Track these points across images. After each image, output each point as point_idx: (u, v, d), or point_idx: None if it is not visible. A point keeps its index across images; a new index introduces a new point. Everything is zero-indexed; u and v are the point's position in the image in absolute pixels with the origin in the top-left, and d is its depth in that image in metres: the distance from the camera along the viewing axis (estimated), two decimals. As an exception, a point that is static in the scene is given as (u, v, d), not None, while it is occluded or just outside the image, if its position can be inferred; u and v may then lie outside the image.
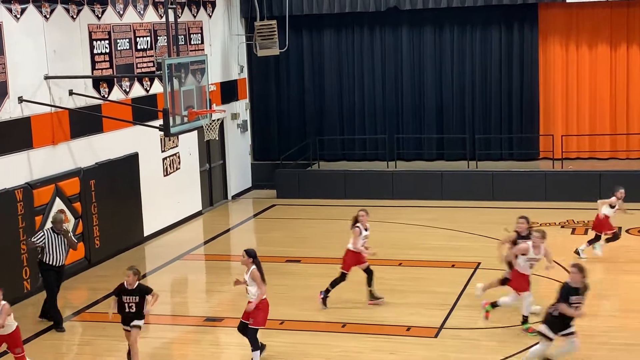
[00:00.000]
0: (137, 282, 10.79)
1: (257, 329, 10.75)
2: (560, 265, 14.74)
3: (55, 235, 12.51)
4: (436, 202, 20.11)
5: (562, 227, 17.66)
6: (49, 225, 13.22)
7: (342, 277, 12.95)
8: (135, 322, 10.76)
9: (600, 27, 21.46)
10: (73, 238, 13.24)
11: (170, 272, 15.75)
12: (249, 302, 10.78)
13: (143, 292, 10.77)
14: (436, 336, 11.74)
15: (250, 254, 10.85)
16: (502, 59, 22.06)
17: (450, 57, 22.34)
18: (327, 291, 12.95)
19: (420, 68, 22.56)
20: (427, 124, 22.69)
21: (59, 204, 14.80)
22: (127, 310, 10.74)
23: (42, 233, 12.63)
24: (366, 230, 13.13)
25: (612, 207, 15.00)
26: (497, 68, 22.10)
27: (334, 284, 12.94)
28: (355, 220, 13.08)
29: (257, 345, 10.75)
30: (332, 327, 12.17)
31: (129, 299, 10.69)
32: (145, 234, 17.59)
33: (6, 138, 13.70)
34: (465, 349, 11.20)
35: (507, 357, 10.84)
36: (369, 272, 13.05)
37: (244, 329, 10.88)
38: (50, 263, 12.50)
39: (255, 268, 10.72)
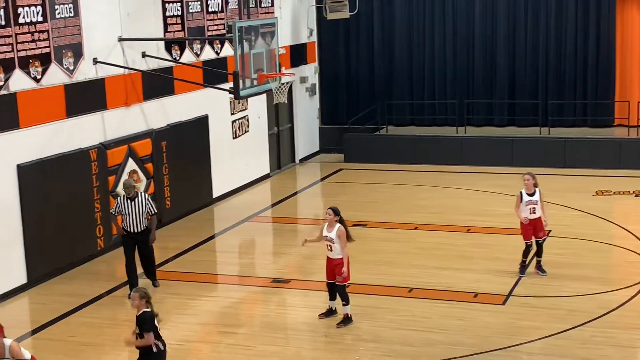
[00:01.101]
0: (145, 308, 8.57)
1: (346, 285, 11.03)
2: (634, 235, 14.46)
3: (128, 200, 12.23)
4: (506, 169, 19.84)
5: (636, 195, 17.26)
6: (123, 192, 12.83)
7: (527, 248, 12.63)
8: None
9: (682, -11, 20.73)
10: (150, 202, 12.48)
11: (238, 234, 15.95)
12: (331, 258, 10.98)
13: (140, 325, 8.52)
14: (504, 303, 11.64)
15: (337, 212, 11.04)
16: (578, 21, 21.49)
17: (523, 19, 21.86)
18: (523, 262, 12.72)
19: (493, 31, 22.14)
20: (498, 89, 22.32)
21: (131, 165, 15.09)
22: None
23: (116, 201, 12.45)
24: (531, 195, 12.54)
25: None
26: (572, 31, 21.54)
27: (524, 253, 12.68)
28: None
29: (348, 299, 11.05)
30: (399, 292, 12.18)
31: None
32: (214, 196, 17.82)
33: (81, 99, 13.97)
34: (533, 317, 11.09)
35: (576, 326, 10.69)
36: (538, 245, 12.64)
37: (333, 287, 11.11)
38: (126, 229, 12.35)
39: (341, 226, 10.93)
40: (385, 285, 12.50)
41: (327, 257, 11.16)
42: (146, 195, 12.57)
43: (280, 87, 17.13)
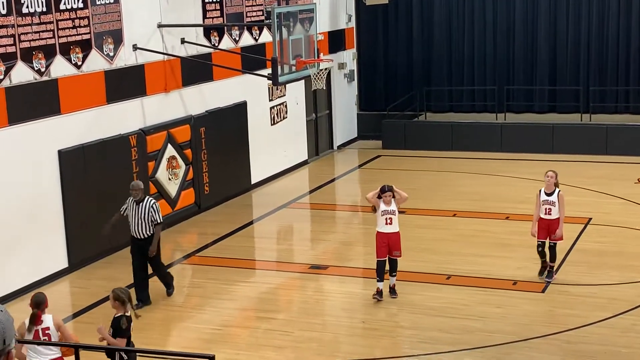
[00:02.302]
0: (120, 311, 8.26)
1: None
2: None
3: (134, 203, 11.44)
4: (546, 156, 19.61)
5: (680, 184, 16.98)
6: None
7: (538, 248, 11.86)
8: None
9: None
10: (154, 210, 11.34)
11: (276, 220, 16.00)
12: (389, 233, 11.21)
13: (113, 329, 8.18)
14: (543, 291, 11.54)
15: (393, 189, 11.38)
16: (621, 6, 21.14)
17: (565, 4, 21.57)
18: (543, 263, 11.95)
19: (534, 16, 21.88)
20: (539, 75, 22.07)
21: (170, 151, 15.19)
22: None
23: (127, 201, 11.63)
24: (549, 195, 11.67)
25: None
26: (614, 16, 21.20)
27: (540, 254, 11.91)
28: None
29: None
30: (437, 279, 12.13)
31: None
32: (252, 182, 17.89)
33: (121, 85, 14.09)
34: (572, 305, 10.98)
35: (616, 315, 10.57)
36: (550, 249, 11.76)
37: (386, 263, 11.38)
38: (131, 233, 11.59)
39: (397, 193, 11.38)
40: (424, 272, 12.46)
41: (383, 234, 11.27)
42: (152, 201, 11.50)
43: (318, 73, 17.06)
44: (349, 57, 22.28)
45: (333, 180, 19.20)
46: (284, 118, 19.16)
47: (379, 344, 10.21)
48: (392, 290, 11.54)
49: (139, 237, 11.48)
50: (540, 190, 11.77)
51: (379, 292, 11.40)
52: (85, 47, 13.29)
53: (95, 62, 13.53)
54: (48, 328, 8.07)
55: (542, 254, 11.83)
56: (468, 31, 22.47)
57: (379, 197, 11.33)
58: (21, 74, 12.14)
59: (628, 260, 12.58)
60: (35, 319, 8.05)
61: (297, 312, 11.29)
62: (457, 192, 17.15)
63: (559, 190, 11.65)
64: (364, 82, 23.37)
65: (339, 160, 21.19)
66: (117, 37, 13.98)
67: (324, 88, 19.35)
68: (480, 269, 12.43)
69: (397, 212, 11.34)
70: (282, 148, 19.04)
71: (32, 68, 12.33)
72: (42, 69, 12.52)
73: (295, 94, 19.44)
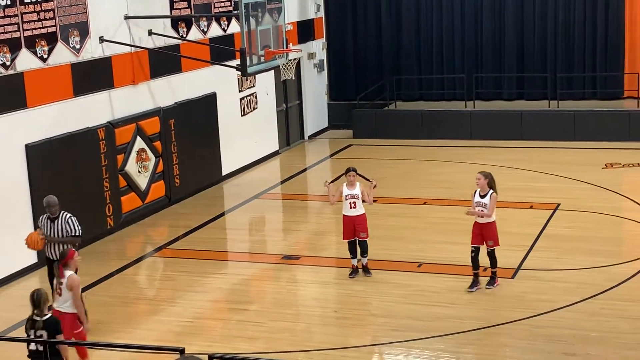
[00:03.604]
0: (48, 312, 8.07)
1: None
2: (643, 207, 14.41)
3: (49, 221, 10.37)
4: (515, 143, 19.79)
5: (646, 168, 17.19)
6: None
7: (471, 253, 11.24)
8: None
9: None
10: (71, 224, 10.31)
11: (248, 211, 15.98)
12: (353, 216, 11.52)
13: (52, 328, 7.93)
14: (513, 277, 11.65)
15: (356, 171, 11.68)
16: (587, -7, 21.34)
17: (532, -9, 21.72)
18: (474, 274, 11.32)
19: (501, 3, 21.98)
20: (507, 62, 22.19)
21: (140, 143, 15.10)
22: (35, 348, 7.88)
23: (40, 219, 10.64)
24: (482, 197, 11.08)
25: None
26: (580, 3, 21.36)
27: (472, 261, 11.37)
28: None
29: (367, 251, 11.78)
30: (408, 267, 12.20)
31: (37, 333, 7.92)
32: (223, 173, 17.85)
33: (88, 78, 13.97)
34: (542, 290, 11.10)
35: (585, 299, 10.70)
36: (488, 254, 11.21)
37: (355, 244, 11.68)
38: (46, 254, 10.48)
39: (363, 178, 11.81)
40: (395, 260, 12.52)
41: (348, 217, 11.55)
42: (67, 215, 10.36)
43: (287, 63, 17.04)
44: (318, 47, 22.26)
45: (304, 170, 19.20)
46: (254, 109, 19.12)
47: (351, 332, 10.26)
48: (365, 269, 11.80)
49: (54, 257, 10.18)
50: (475, 192, 11.17)
51: (353, 269, 11.75)
52: (51, 40, 13.16)
53: (62, 55, 13.41)
54: (62, 284, 8.85)
55: (475, 262, 11.14)
56: (436, 19, 22.53)
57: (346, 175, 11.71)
58: (-14, 68, 12.01)
59: (597, 245, 12.73)
60: (58, 272, 8.97)
61: (270, 303, 11.30)
62: (427, 180, 17.24)
63: (492, 192, 11.02)
64: (333, 71, 23.37)
65: (310, 150, 21.20)
66: (83, 30, 13.86)
67: (294, 78, 19.34)
68: (450, 257, 12.50)
69: (360, 196, 11.55)
70: (252, 139, 19.00)
71: (-3, 62, 12.19)
72: (8, 63, 12.38)
73: (265, 85, 19.39)
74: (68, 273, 8.86)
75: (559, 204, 14.84)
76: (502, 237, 13.07)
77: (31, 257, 12.78)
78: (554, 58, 21.76)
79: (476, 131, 20.56)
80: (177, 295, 11.74)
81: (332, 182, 12.08)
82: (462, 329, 10.05)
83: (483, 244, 11.14)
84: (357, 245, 11.78)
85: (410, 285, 11.52)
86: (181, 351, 6.83)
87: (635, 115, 19.71)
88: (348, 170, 11.73)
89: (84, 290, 11.90)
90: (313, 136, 22.21)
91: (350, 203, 11.59)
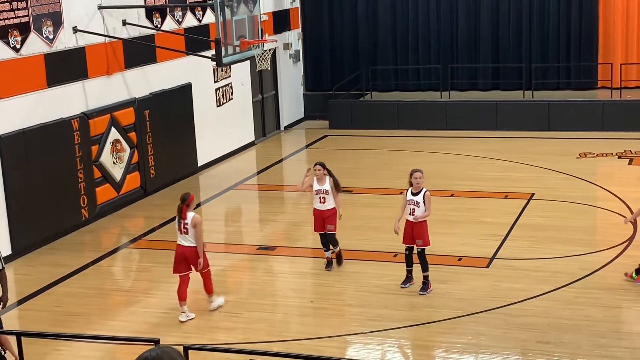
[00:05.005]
0: None
1: (335, 233, 11.72)
2: (617, 197, 14.54)
3: None
4: (490, 133, 19.89)
5: (619, 157, 17.34)
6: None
7: (405, 252, 11.08)
8: None
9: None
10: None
11: (224, 202, 15.95)
12: (323, 210, 11.55)
13: None
14: (488, 266, 11.72)
15: (324, 165, 11.67)
16: (561, -16, 21.46)
17: (507, -17, 21.80)
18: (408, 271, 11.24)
19: (476, -5, 22.07)
20: (482, 53, 22.29)
21: (114, 134, 15.01)
22: None
23: None
24: (415, 194, 10.80)
25: None
26: (555, -6, 21.50)
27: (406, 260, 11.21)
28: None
29: (337, 243, 11.82)
30: (384, 257, 12.24)
31: None
32: (199, 164, 17.79)
33: (62, 68, 13.85)
34: (516, 279, 11.19)
35: (558, 287, 10.79)
36: (418, 255, 10.94)
37: (325, 237, 11.67)
38: None
39: (332, 178, 11.59)
40: (371, 250, 12.56)
41: (318, 210, 11.63)
42: None
43: (263, 53, 17.03)
44: (294, 37, 22.22)
45: (280, 161, 19.18)
46: (229, 99, 19.06)
47: (328, 322, 10.28)
48: (338, 258, 11.87)
49: None
50: (407, 190, 10.85)
51: (328, 262, 11.84)
52: (24, 30, 13.03)
53: (35, 45, 13.28)
54: (187, 224, 10.18)
55: (409, 260, 10.98)
56: (412, 10, 22.56)
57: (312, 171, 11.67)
58: (-43, 58, 11.87)
59: (571, 234, 12.84)
60: (181, 213, 10.20)
61: (247, 293, 11.30)
62: (403, 170, 17.09)
63: (426, 190, 10.77)
64: (309, 62, 23.34)
65: (286, 141, 21.18)
66: (57, 20, 13.73)
67: (269, 69, 19.31)
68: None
69: (329, 191, 11.56)
70: (228, 130, 18.95)
71: (-31, 52, 12.06)
72: (-20, 53, 12.24)
73: (240, 75, 19.33)
74: (191, 214, 10.17)
75: (533, 194, 14.95)
76: (477, 227, 13.17)
77: (5, 249, 12.67)
78: (529, 48, 21.88)
79: (452, 121, 20.64)
80: (153, 286, 11.70)
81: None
82: (438, 317, 10.11)
83: (413, 244, 10.84)
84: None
85: (386, 275, 11.55)
86: (156, 342, 6.81)
87: (609, 105, 19.88)
88: (315, 165, 11.71)
89: (59, 281, 11.89)
90: (289, 127, 22.19)
91: (319, 198, 11.63)
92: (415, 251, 10.92)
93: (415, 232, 10.80)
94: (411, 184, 10.82)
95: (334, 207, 11.64)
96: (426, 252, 10.92)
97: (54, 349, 9.62)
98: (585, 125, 19.58)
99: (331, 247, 11.85)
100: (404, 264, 11.11)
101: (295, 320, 10.43)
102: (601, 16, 21.37)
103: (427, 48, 22.65)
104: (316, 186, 11.63)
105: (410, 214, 10.80)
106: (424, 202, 10.71)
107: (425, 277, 10.90)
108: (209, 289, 10.57)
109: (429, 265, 10.93)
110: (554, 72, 21.97)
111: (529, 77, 21.42)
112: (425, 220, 10.84)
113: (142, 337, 8.79)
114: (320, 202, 11.63)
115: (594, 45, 21.50)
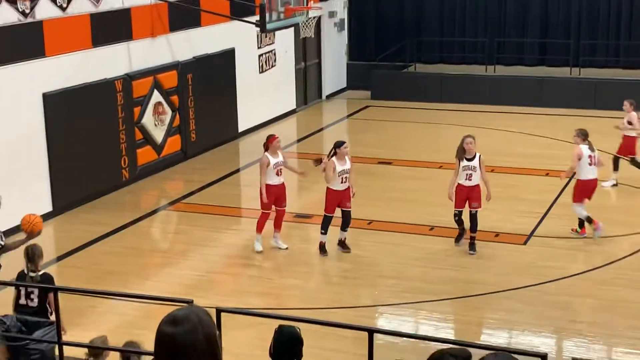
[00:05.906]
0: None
1: None
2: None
3: None
4: (535, 109, 19.61)
5: (666, 139, 16.97)
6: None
7: (455, 216, 11.48)
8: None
9: None
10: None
11: (263, 168, 15.94)
12: (343, 191, 11.19)
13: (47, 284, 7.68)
14: (525, 243, 11.62)
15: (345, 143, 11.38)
16: (615, -40, 20.97)
17: (558, -43, 21.37)
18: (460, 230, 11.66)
19: (527, -32, 21.68)
20: (530, 27, 21.93)
21: (157, 96, 15.09)
22: (25, 303, 7.65)
23: None
24: (470, 160, 11.21)
25: None
26: (608, -30, 21.03)
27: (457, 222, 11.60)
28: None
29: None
30: (419, 230, 12.19)
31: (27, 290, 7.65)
32: (239, 130, 17.82)
33: (107, 29, 13.91)
34: (553, 258, 11.08)
35: (595, 268, 10.68)
36: (471, 217, 11.28)
37: (343, 214, 11.33)
38: None
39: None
40: (408, 222, 12.51)
41: (337, 191, 11.20)
42: None
43: (307, 21, 16.89)
44: (339, 5, 22.05)
45: (321, 129, 19.14)
46: (272, 66, 19.03)
47: (361, 292, 10.29)
48: (344, 244, 11.45)
49: None
50: (459, 159, 11.19)
51: (322, 246, 11.36)
52: (71, -11, 13.10)
53: (81, 5, 13.35)
54: (278, 163, 11.30)
55: (459, 222, 11.36)
56: (460, -19, 22.25)
57: (334, 154, 11.19)
58: (5, 15, 11.98)
59: (611, 215, 12.65)
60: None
61: (281, 260, 11.35)
62: (444, 143, 17.08)
63: (480, 155, 11.14)
64: (354, 31, 23.17)
65: (327, 110, 21.11)
66: (104, -20, 13.77)
67: (313, 36, 19.21)
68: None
69: (350, 171, 11.19)
70: (270, 96, 18.94)
71: (17, 9, 12.16)
72: (27, 11, 12.34)
73: (284, 42, 19.27)
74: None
75: (575, 172, 14.71)
76: (516, 203, 13.04)
77: (46, 206, 12.86)
78: (578, 24, 21.47)
79: (495, 96, 20.38)
80: (190, 249, 11.81)
81: (317, 162, 11.73)
82: (473, 292, 10.07)
83: (464, 206, 11.24)
84: (342, 217, 11.31)
85: (422, 247, 11.52)
86: (190, 302, 6.86)
87: (658, 85, 19.44)
88: (339, 145, 11.23)
89: (97, 240, 12.06)
90: (331, 96, 22.11)
91: (342, 178, 11.18)
92: (469, 213, 11.16)
93: (472, 195, 11.13)
94: (464, 150, 11.14)
95: (350, 186, 11.27)
96: (467, 227, 11.23)
97: (89, 305, 9.77)
98: (632, 104, 19.17)
99: (340, 229, 11.35)
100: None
101: (328, 289, 10.47)
102: (654, -6, 20.88)
103: (473, 21, 22.34)
104: (339, 167, 11.14)
105: (466, 179, 11.13)
106: (479, 166, 11.04)
107: (473, 238, 11.24)
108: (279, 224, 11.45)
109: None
110: (603, 50, 21.55)
111: (576, 54, 21.04)
112: (479, 185, 11.08)
113: (175, 297, 8.86)
114: (342, 182, 11.19)
115: (645, 24, 21.03)
